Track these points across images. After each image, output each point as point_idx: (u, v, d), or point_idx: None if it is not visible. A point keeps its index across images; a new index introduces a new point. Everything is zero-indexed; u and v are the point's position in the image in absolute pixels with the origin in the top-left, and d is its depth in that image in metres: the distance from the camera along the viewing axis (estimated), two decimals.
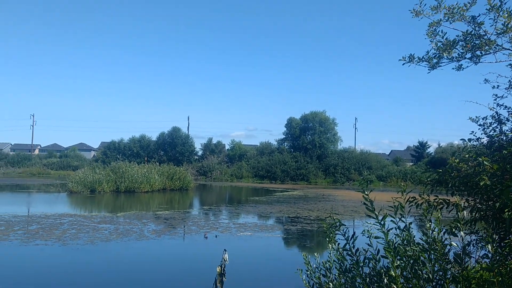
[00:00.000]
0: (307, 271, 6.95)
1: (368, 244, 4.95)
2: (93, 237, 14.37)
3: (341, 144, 77.39)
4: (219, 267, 3.04)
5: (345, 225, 5.19)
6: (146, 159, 64.10)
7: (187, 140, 79.17)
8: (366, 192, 4.75)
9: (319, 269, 6.83)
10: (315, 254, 7.04)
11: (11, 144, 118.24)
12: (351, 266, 5.17)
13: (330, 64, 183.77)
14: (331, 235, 5.62)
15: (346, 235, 5.15)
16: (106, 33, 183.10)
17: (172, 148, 77.07)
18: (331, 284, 5.76)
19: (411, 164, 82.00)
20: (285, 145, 77.47)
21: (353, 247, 5.07)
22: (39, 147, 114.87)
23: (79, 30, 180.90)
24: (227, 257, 3.09)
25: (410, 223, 4.35)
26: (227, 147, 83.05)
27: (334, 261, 6.26)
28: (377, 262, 4.90)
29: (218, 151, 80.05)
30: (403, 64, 4.96)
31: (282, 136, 78.59)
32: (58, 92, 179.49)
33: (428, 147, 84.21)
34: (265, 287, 9.45)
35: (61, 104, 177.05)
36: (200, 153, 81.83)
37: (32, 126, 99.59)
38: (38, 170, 76.58)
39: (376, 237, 4.77)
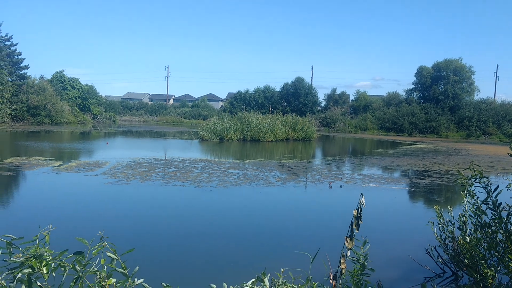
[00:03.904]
0: (439, 224, 6.69)
1: None
2: (224, 181, 15.31)
3: (478, 94, 71.04)
4: (356, 210, 3.04)
5: (487, 178, 4.82)
6: (270, 109, 65.55)
7: (310, 90, 78.85)
8: None
9: (452, 222, 6.52)
10: (448, 207, 6.72)
11: (149, 94, 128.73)
12: (491, 221, 4.83)
13: (466, 5, 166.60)
14: (469, 187, 5.28)
15: (488, 188, 4.79)
16: None
17: (295, 98, 77.53)
18: (467, 238, 5.48)
19: None
20: (414, 96, 73.28)
21: (496, 201, 4.71)
22: (173, 97, 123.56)
23: None
24: (364, 201, 3.07)
25: None
26: (351, 97, 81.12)
27: (469, 215, 5.92)
28: None
29: (342, 102, 78.64)
30: None
31: (411, 86, 74.49)
32: (190, 44, 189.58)
33: None
34: (394, 238, 9.32)
35: (192, 56, 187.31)
36: (323, 104, 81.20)
37: (167, 77, 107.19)
38: (172, 119, 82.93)
39: None
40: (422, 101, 70.82)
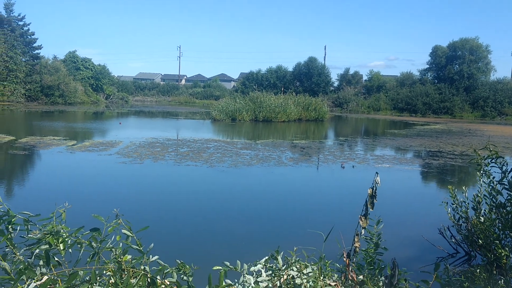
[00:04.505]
0: (452, 204, 6.65)
1: None
2: (236, 161, 15.35)
3: (494, 74, 69.76)
4: (371, 189, 3.03)
5: (503, 158, 4.76)
6: (282, 89, 65.15)
7: (323, 70, 78.10)
8: None
9: (466, 203, 6.48)
10: (463, 188, 6.67)
11: (161, 75, 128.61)
12: (507, 201, 4.78)
13: None
14: (485, 167, 5.22)
15: (504, 168, 4.73)
16: None
17: (308, 78, 76.95)
18: (481, 218, 5.44)
19: None
20: (428, 76, 72.21)
21: None
22: (185, 77, 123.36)
23: None
24: (379, 180, 3.05)
25: None
26: (364, 77, 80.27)
27: (484, 195, 5.87)
28: None
29: (355, 82, 77.87)
30: None
31: (425, 66, 73.33)
32: (202, 24, 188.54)
33: None
34: (406, 218, 9.30)
35: (204, 36, 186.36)
36: (336, 84, 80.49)
37: (179, 57, 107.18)
38: (184, 99, 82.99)
39: None
40: (436, 81, 69.82)
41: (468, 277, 4.17)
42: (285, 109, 37.81)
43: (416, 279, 2.91)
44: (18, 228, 2.42)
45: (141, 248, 2.47)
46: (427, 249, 7.13)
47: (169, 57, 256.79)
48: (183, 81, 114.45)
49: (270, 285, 2.80)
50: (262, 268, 2.88)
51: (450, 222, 6.87)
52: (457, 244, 7.00)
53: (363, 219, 2.96)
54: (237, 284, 2.67)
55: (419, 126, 40.19)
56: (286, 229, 8.08)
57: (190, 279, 2.54)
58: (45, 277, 2.21)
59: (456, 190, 6.76)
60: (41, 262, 2.31)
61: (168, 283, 2.38)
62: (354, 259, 2.99)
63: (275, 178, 13.11)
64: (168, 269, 2.52)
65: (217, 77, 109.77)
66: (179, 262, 2.61)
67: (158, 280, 2.35)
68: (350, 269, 2.84)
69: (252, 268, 2.86)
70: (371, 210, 2.99)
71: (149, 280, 2.35)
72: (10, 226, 2.37)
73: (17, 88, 52.41)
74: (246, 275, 2.75)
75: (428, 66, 72.29)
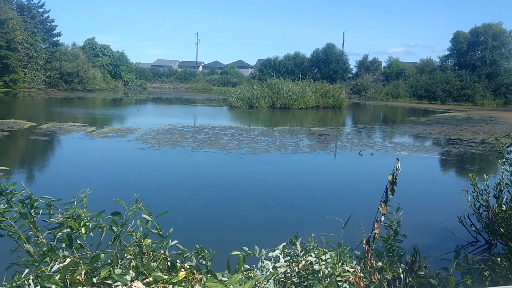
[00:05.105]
0: (473, 192, 6.56)
1: None
2: (253, 148, 15.36)
3: None
4: (391, 176, 3.00)
5: None
6: (300, 76, 64.70)
7: (342, 57, 77.23)
8: None
9: (487, 191, 6.39)
10: (484, 176, 6.56)
11: (179, 61, 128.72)
12: None
13: None
14: (507, 155, 5.12)
15: None
16: None
17: (326, 65, 76.24)
18: (503, 206, 5.36)
19: None
20: (449, 63, 70.78)
21: None
22: (202, 64, 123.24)
23: None
24: (399, 166, 3.02)
25: None
26: (383, 64, 79.13)
27: (506, 184, 5.78)
28: None
29: (373, 68, 76.86)
30: None
31: (446, 52, 71.92)
32: (220, 11, 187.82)
33: None
34: (425, 206, 9.21)
35: (222, 23, 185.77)
36: (354, 70, 79.56)
37: (196, 44, 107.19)
38: (202, 86, 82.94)
39: None
40: (457, 68, 68.44)
41: (488, 265, 4.12)
42: (302, 96, 37.58)
43: (435, 267, 2.88)
44: (41, 212, 2.46)
45: (160, 232, 2.50)
46: (447, 237, 7.06)
47: (187, 44, 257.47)
48: (200, 68, 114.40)
49: (288, 271, 2.80)
50: (280, 254, 2.88)
51: (470, 211, 6.78)
52: (477, 233, 6.92)
53: (383, 206, 2.93)
54: (255, 269, 2.68)
55: (439, 113, 39.61)
56: (304, 216, 8.08)
57: (209, 263, 2.56)
58: (68, 260, 2.25)
59: (476, 178, 6.67)
60: (63, 245, 2.35)
61: (187, 267, 2.40)
62: (373, 246, 2.98)
63: (293, 165, 13.10)
64: (188, 253, 2.55)
65: (235, 64, 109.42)
66: (198, 247, 2.63)
67: (177, 264, 2.37)
68: (369, 256, 2.82)
69: (270, 254, 2.87)
70: (391, 196, 2.96)
71: (169, 263, 2.37)
72: (33, 210, 2.42)
73: (37, 75, 53.12)
74: (264, 260, 2.76)
75: (448, 52, 70.88)
